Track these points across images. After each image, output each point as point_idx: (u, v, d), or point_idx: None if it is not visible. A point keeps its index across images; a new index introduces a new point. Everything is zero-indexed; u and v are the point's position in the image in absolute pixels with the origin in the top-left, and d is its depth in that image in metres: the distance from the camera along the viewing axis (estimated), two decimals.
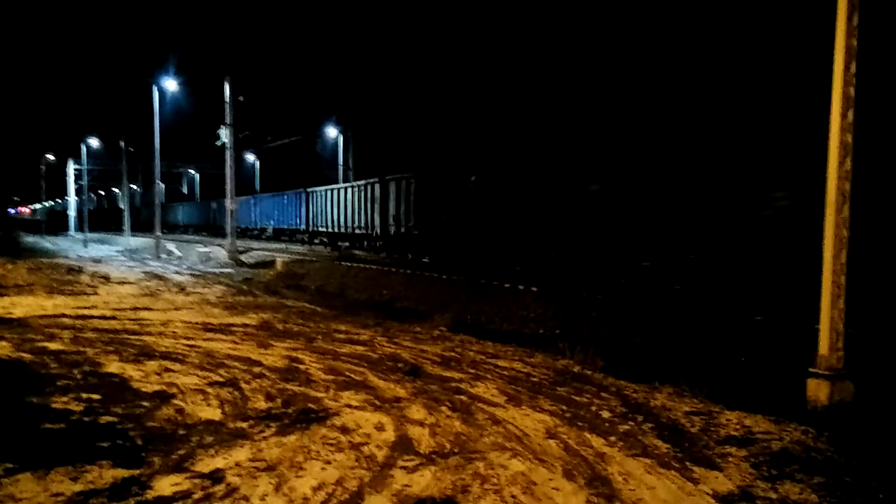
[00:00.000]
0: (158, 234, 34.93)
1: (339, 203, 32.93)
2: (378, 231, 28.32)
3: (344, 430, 5.84)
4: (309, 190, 37.30)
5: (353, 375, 7.91)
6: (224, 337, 10.49)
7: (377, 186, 28.20)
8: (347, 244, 32.23)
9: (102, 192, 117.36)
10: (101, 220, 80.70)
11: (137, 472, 4.80)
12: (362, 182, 30.51)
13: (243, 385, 7.36)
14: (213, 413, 6.31)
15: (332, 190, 34.42)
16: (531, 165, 19.28)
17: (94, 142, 60.63)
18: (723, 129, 13.95)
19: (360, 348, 9.66)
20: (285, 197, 42.08)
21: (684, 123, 15.75)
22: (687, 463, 5.14)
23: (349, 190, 31.98)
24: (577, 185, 17.02)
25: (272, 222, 44.67)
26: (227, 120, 31.12)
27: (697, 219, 13.84)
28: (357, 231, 30.96)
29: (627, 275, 15.45)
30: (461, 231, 22.01)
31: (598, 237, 16.41)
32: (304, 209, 38.15)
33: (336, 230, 33.58)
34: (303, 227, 38.53)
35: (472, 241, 21.54)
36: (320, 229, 35.89)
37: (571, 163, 17.56)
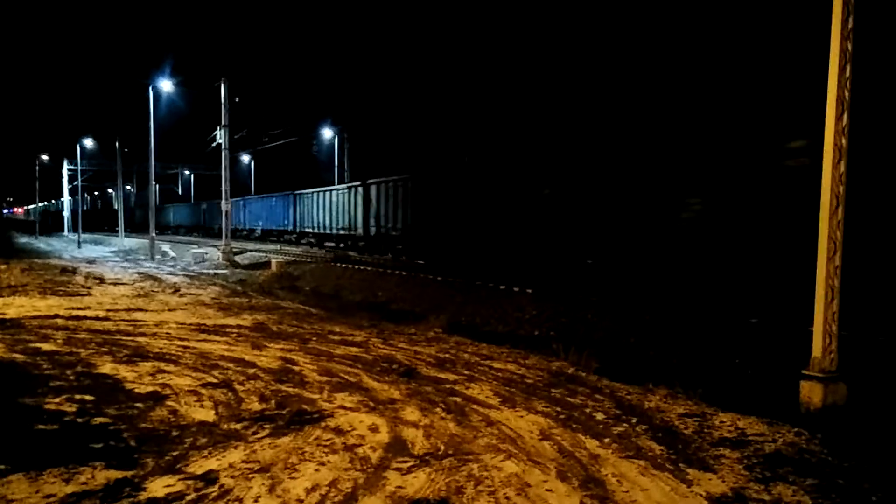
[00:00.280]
0: (153, 234, 34.84)
1: (324, 205, 34.25)
2: (361, 231, 29.73)
3: (338, 431, 5.83)
4: (296, 192, 38.56)
5: (347, 377, 7.90)
6: (218, 338, 10.47)
7: (360, 189, 29.61)
8: (333, 244, 33.69)
9: (97, 193, 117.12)
10: (96, 220, 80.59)
11: (130, 473, 4.78)
12: (345, 185, 32.47)
13: (237, 386, 7.34)
14: (206, 414, 6.29)
15: (318, 193, 35.59)
16: (494, 170, 20.68)
17: (88, 142, 60.45)
18: (650, 142, 15.48)
19: (354, 350, 9.65)
20: (273, 199, 43.44)
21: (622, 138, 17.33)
22: (681, 465, 5.14)
23: (334, 193, 33.36)
24: (533, 189, 18.55)
25: (261, 223, 45.75)
26: (223, 121, 31.06)
27: (633, 221, 15.17)
28: (341, 232, 32.35)
29: (573, 271, 16.85)
30: (435, 231, 23.62)
31: (549, 236, 17.91)
32: (291, 211, 39.42)
33: (322, 231, 34.95)
34: (290, 227, 39.85)
35: (444, 239, 23.05)
36: (307, 230, 37.18)
37: (529, 168, 19.09)
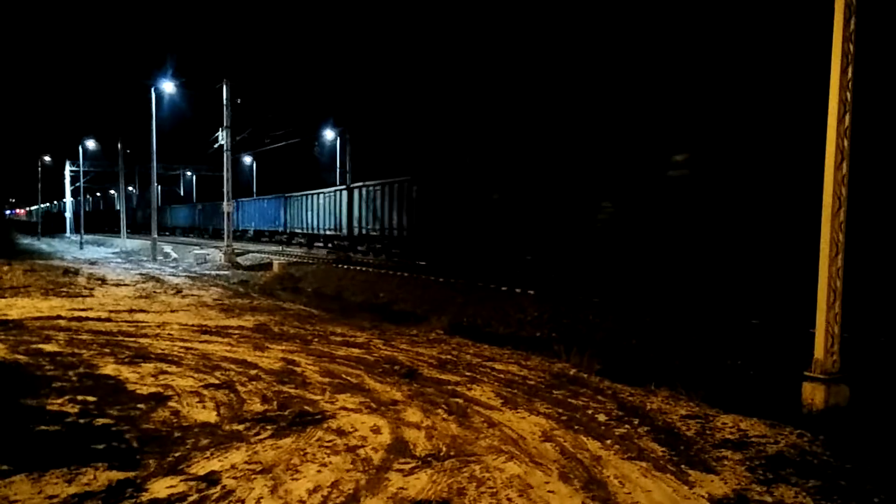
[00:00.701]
0: (155, 236, 34.87)
1: (313, 208, 36.27)
2: (345, 232, 31.82)
3: (340, 432, 5.83)
4: (287, 195, 40.65)
5: (349, 378, 7.90)
6: (220, 339, 10.48)
7: (344, 193, 31.80)
8: (321, 244, 35.79)
9: (99, 194, 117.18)
10: (98, 221, 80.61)
11: (133, 474, 4.79)
12: (332, 189, 34.41)
13: (239, 387, 7.34)
14: (208, 415, 6.30)
15: (307, 196, 37.51)
16: (456, 174, 23.17)
17: (91, 143, 60.47)
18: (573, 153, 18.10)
19: (356, 351, 9.65)
20: (265, 202, 45.52)
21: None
22: (682, 466, 5.14)
23: (321, 196, 35.27)
24: (483, 195, 21.03)
25: (253, 224, 47.40)
26: (225, 122, 31.09)
27: (561, 222, 17.54)
28: (328, 232, 34.43)
29: (514, 266, 19.22)
30: (410, 229, 25.94)
31: (496, 235, 20.40)
32: (282, 212, 41.39)
33: (310, 231, 36.97)
34: (281, 228, 41.83)
35: (422, 238, 25.12)
36: (297, 231, 39.29)
37: (481, 175, 21.53)
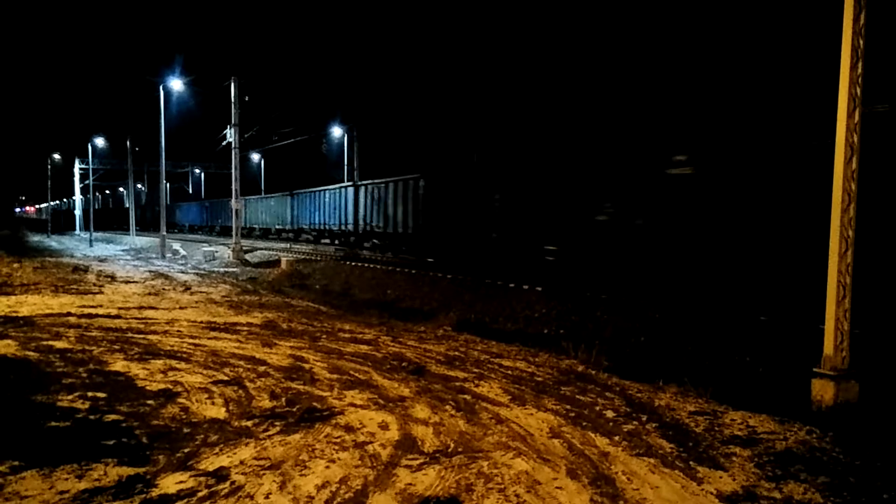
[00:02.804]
0: (164, 233, 35.01)
1: (319, 204, 37.04)
2: (351, 228, 32.49)
3: (348, 428, 5.85)
4: (293, 192, 41.36)
5: (357, 374, 7.92)
6: (229, 336, 10.51)
7: (350, 190, 32.32)
8: (328, 240, 36.27)
9: (108, 192, 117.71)
10: (107, 219, 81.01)
11: (142, 470, 4.82)
12: (338, 186, 35.03)
13: (248, 384, 7.37)
14: (217, 412, 6.32)
15: (314, 192, 38.16)
16: (463, 172, 23.70)
17: (100, 141, 60.87)
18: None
19: (364, 347, 9.67)
20: (273, 199, 46.16)
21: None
22: (691, 462, 5.13)
23: (327, 193, 35.91)
24: (487, 195, 21.42)
25: (261, 221, 48.09)
26: (233, 120, 31.18)
27: (568, 221, 17.89)
28: (333, 228, 35.27)
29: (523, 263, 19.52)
30: (417, 227, 26.34)
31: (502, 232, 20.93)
32: (288, 210, 42.18)
33: (317, 228, 37.86)
34: (288, 226, 42.56)
35: (429, 235, 25.53)
36: (303, 227, 40.14)
37: (484, 177, 21.84)
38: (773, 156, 12.51)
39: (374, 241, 30.16)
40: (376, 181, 29.86)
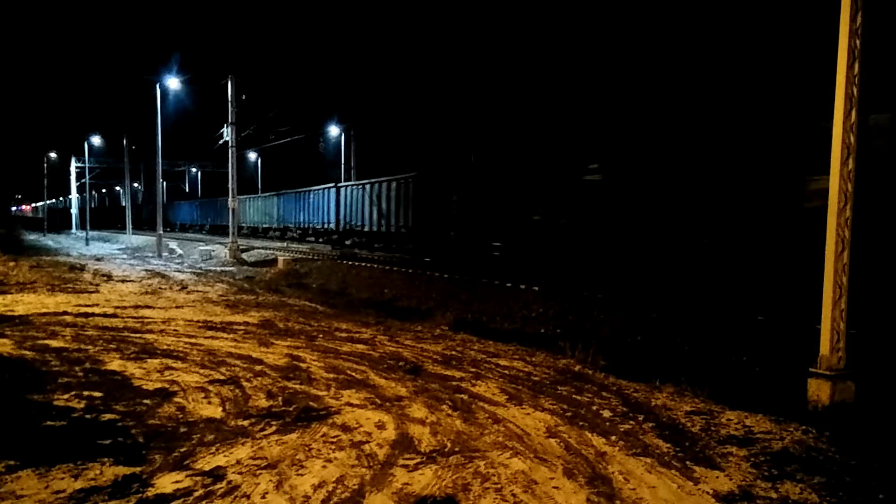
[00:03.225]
0: (160, 232, 34.94)
1: (304, 204, 38.40)
2: (332, 227, 34.17)
3: (345, 428, 5.85)
4: (280, 193, 43.21)
5: (354, 374, 7.92)
6: (225, 335, 10.50)
7: (332, 191, 34.01)
8: (313, 238, 37.50)
9: (105, 190, 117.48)
10: (104, 218, 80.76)
11: (139, 469, 4.81)
12: (320, 187, 36.40)
13: (244, 383, 7.36)
14: (214, 411, 6.32)
15: (298, 193, 39.69)
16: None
17: (96, 140, 60.69)
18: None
19: (361, 347, 9.66)
20: (261, 199, 47.79)
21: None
22: (687, 462, 5.14)
23: (311, 193, 37.25)
24: (446, 195, 22.94)
25: (252, 220, 49.28)
26: (230, 119, 31.13)
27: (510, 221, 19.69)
28: (316, 227, 36.77)
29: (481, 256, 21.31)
30: (385, 225, 28.15)
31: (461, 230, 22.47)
32: (275, 209, 43.77)
33: (301, 226, 39.25)
34: (275, 224, 44.10)
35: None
36: (289, 225, 41.64)
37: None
38: (656, 164, 14.82)
39: (354, 238, 31.85)
40: (356, 182, 32.14)
